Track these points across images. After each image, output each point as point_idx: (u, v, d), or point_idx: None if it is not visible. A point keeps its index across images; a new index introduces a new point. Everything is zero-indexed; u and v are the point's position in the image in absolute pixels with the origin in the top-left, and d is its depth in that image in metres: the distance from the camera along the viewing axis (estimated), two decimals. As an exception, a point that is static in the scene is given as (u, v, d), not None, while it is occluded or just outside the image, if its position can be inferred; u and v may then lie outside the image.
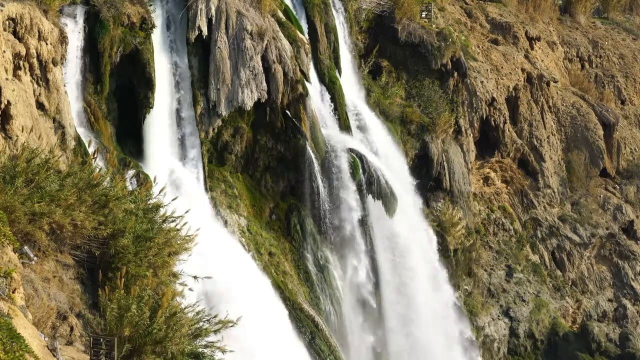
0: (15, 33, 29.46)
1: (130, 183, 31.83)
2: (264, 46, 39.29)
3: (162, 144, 37.11)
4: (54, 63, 31.14)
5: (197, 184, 38.01)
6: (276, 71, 39.54)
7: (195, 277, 23.28)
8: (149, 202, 23.44)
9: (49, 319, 18.69)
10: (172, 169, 36.88)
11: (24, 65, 29.69)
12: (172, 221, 23.10)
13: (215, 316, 21.00)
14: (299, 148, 40.68)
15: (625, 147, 62.42)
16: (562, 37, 65.63)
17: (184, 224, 23.21)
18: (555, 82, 60.48)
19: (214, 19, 38.47)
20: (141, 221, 21.83)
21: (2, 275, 16.40)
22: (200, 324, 20.71)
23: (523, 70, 57.07)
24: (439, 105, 49.35)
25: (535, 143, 56.44)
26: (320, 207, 41.15)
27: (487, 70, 54.49)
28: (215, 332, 20.85)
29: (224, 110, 38.52)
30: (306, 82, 40.96)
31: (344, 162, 41.71)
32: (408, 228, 44.73)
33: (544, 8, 64.47)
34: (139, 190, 24.11)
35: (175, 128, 37.97)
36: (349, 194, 41.68)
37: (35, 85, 30.40)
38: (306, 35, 43.24)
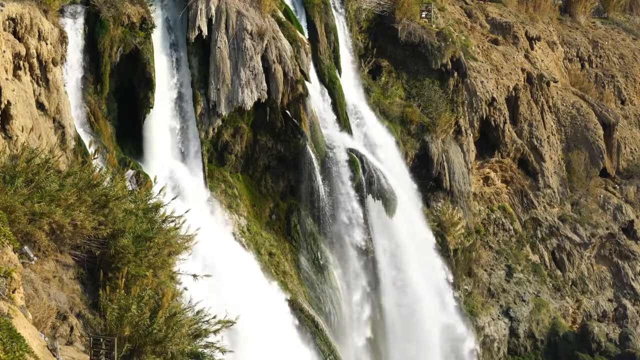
0: (15, 33, 29.45)
1: (130, 183, 31.81)
2: (264, 46, 39.30)
3: (162, 144, 37.13)
4: (54, 63, 31.13)
5: (197, 184, 37.99)
6: (276, 71, 39.54)
7: (194, 276, 23.29)
8: (148, 202, 23.41)
9: (49, 319, 18.69)
10: (172, 169, 36.88)
11: (24, 65, 29.69)
12: (172, 221, 23.09)
13: (214, 317, 20.99)
14: (299, 148, 40.69)
15: (625, 147, 62.40)
16: (562, 37, 65.60)
17: (183, 222, 23.21)
18: (555, 82, 60.46)
19: (214, 19, 38.48)
20: (141, 221, 21.81)
21: (2, 275, 16.39)
22: (200, 324, 20.70)
23: (523, 70, 57.06)
24: (439, 105, 49.34)
25: (535, 143, 56.42)
26: (320, 207, 41.15)
27: (487, 70, 54.48)
28: (215, 332, 20.85)
29: (224, 110, 38.53)
30: (306, 82, 40.96)
31: (344, 162, 41.72)
32: (408, 228, 44.73)
33: (544, 8, 64.42)
34: (139, 190, 24.08)
35: (175, 128, 37.98)
36: (349, 194, 41.69)
37: (35, 85, 30.39)
38: (306, 35, 43.24)
